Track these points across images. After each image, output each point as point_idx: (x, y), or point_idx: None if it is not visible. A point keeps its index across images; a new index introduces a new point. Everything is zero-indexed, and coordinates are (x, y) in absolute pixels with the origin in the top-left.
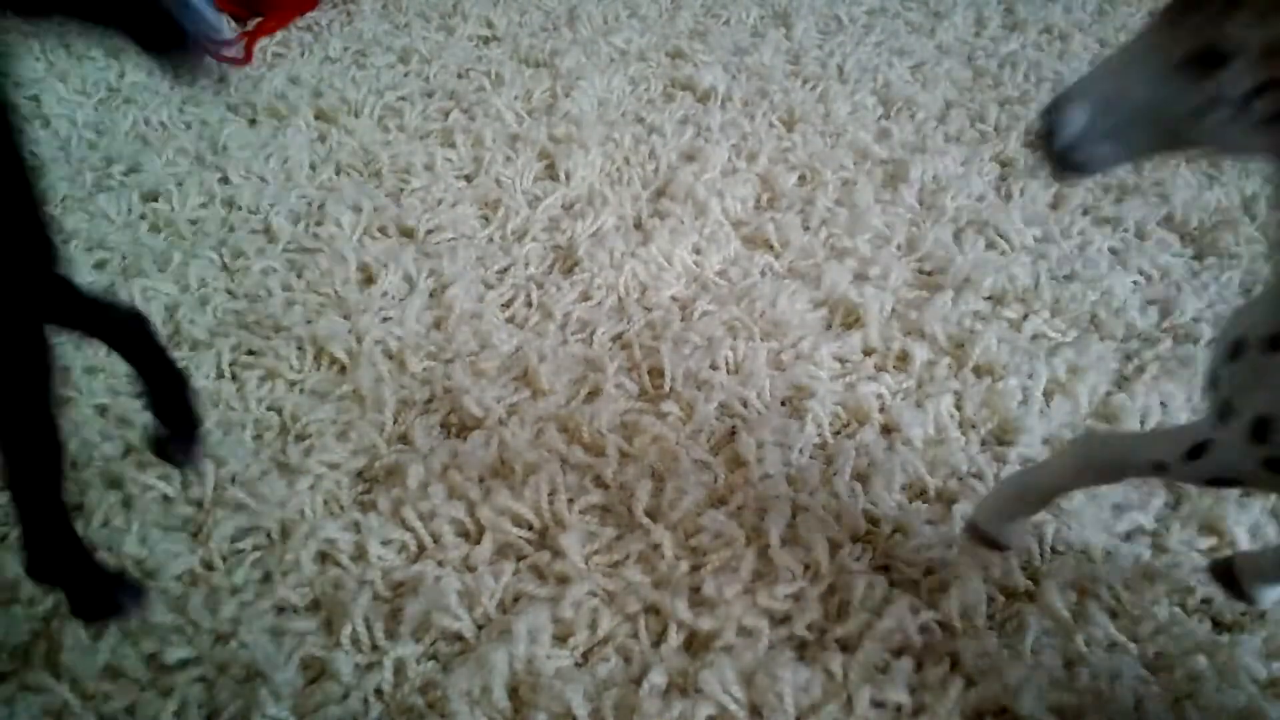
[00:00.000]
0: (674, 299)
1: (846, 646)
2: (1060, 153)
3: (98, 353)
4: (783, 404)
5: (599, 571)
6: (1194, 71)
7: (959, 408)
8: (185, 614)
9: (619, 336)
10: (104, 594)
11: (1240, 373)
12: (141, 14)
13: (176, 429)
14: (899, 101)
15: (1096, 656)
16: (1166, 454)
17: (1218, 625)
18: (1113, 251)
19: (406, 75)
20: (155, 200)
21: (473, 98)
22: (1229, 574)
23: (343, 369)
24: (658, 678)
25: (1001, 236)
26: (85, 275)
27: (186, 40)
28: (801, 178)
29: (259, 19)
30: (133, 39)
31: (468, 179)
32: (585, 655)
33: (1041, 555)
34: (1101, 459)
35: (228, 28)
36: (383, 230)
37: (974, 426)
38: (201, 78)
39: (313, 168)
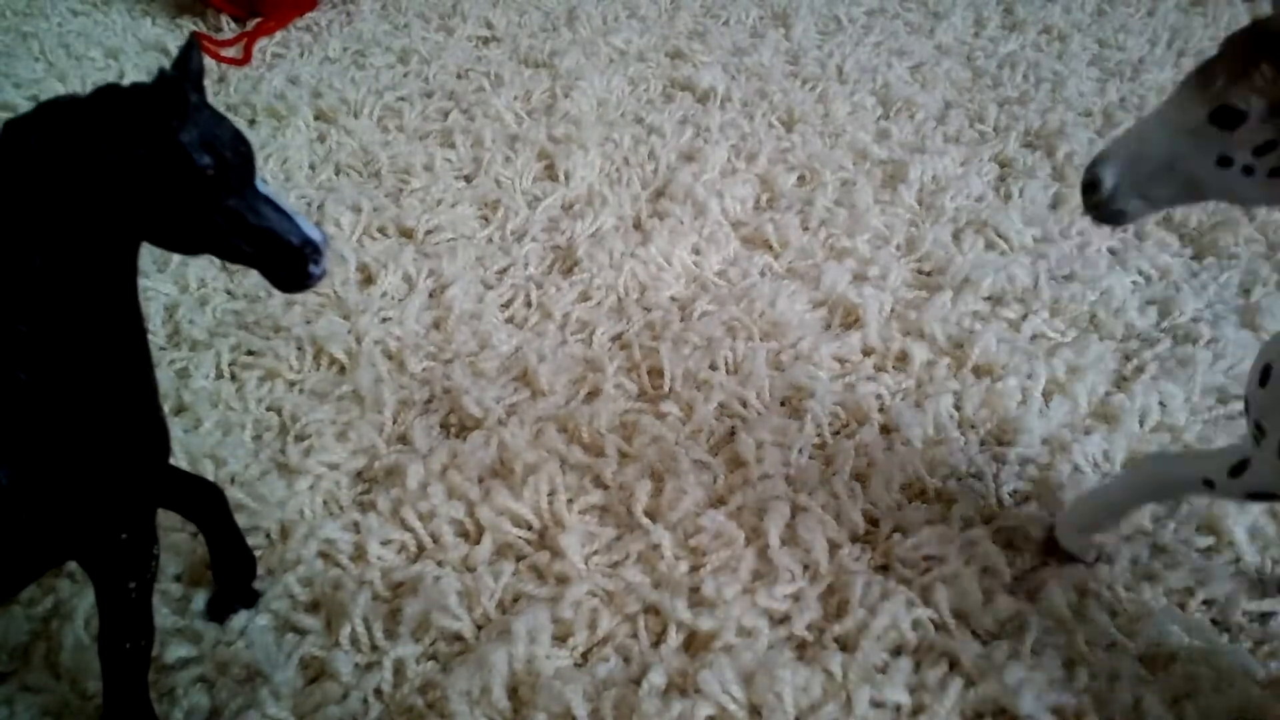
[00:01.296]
0: (673, 299)
1: (846, 646)
2: (1102, 203)
3: None
4: (782, 404)
5: (598, 571)
6: (1212, 130)
7: (958, 408)
8: (186, 614)
9: (618, 337)
10: None
11: (1268, 397)
12: (276, 258)
13: (235, 596)
14: (898, 102)
15: (1096, 656)
16: (1214, 472)
17: (1217, 625)
18: (1112, 252)
19: (406, 75)
20: None
21: (472, 98)
22: None
23: (342, 369)
24: (657, 678)
25: (1001, 237)
26: None
27: (307, 275)
28: (801, 178)
29: (259, 19)
30: (265, 274)
31: (467, 179)
32: (585, 655)
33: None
34: (1165, 477)
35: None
36: (382, 230)
37: (973, 426)
38: (306, 288)
39: (312, 168)
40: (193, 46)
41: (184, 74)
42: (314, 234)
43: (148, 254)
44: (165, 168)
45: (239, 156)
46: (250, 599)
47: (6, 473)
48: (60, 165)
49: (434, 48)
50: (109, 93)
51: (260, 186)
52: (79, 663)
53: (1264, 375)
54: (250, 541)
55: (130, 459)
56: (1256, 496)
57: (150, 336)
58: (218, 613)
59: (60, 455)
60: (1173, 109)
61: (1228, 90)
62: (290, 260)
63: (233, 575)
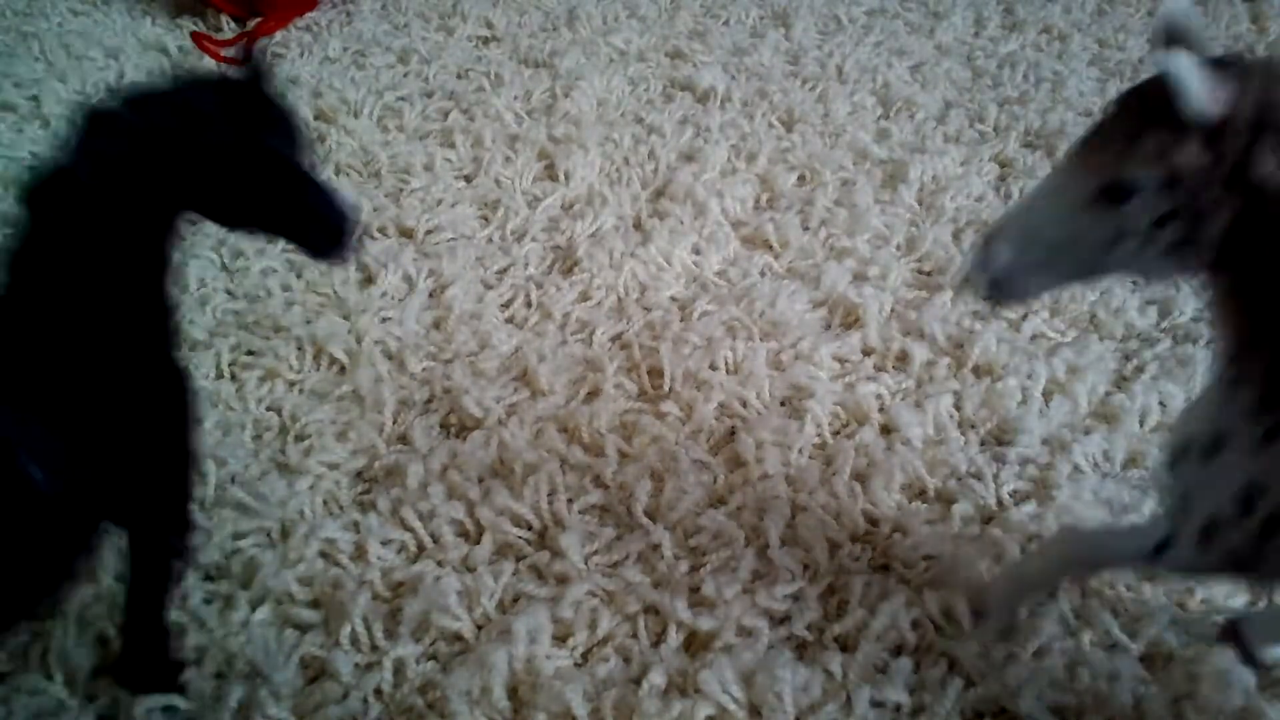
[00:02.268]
0: (673, 299)
1: (845, 646)
2: (992, 283)
3: None
4: (782, 404)
5: (598, 571)
6: (1103, 205)
7: (958, 408)
8: (187, 612)
9: (618, 337)
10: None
11: (1185, 477)
12: (316, 228)
13: (145, 672)
14: (898, 102)
15: (1096, 656)
16: (1137, 552)
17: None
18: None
19: (406, 75)
20: None
21: (472, 98)
22: (1237, 638)
23: (342, 369)
24: (657, 678)
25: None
26: None
27: (344, 241)
28: (801, 178)
29: (259, 19)
30: (305, 248)
31: (467, 179)
32: (585, 655)
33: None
34: (1082, 557)
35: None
36: (382, 230)
37: (973, 426)
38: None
39: (312, 168)
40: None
41: (259, 75)
42: (351, 210)
43: None
44: (251, 153)
45: (299, 143)
46: (167, 681)
47: (43, 472)
48: (162, 149)
49: (434, 48)
50: (197, 85)
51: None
52: (75, 664)
53: (1180, 453)
54: (251, 541)
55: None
56: (1192, 575)
57: None
58: (127, 678)
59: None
60: (1060, 183)
61: (1117, 163)
62: (334, 231)
63: (140, 641)
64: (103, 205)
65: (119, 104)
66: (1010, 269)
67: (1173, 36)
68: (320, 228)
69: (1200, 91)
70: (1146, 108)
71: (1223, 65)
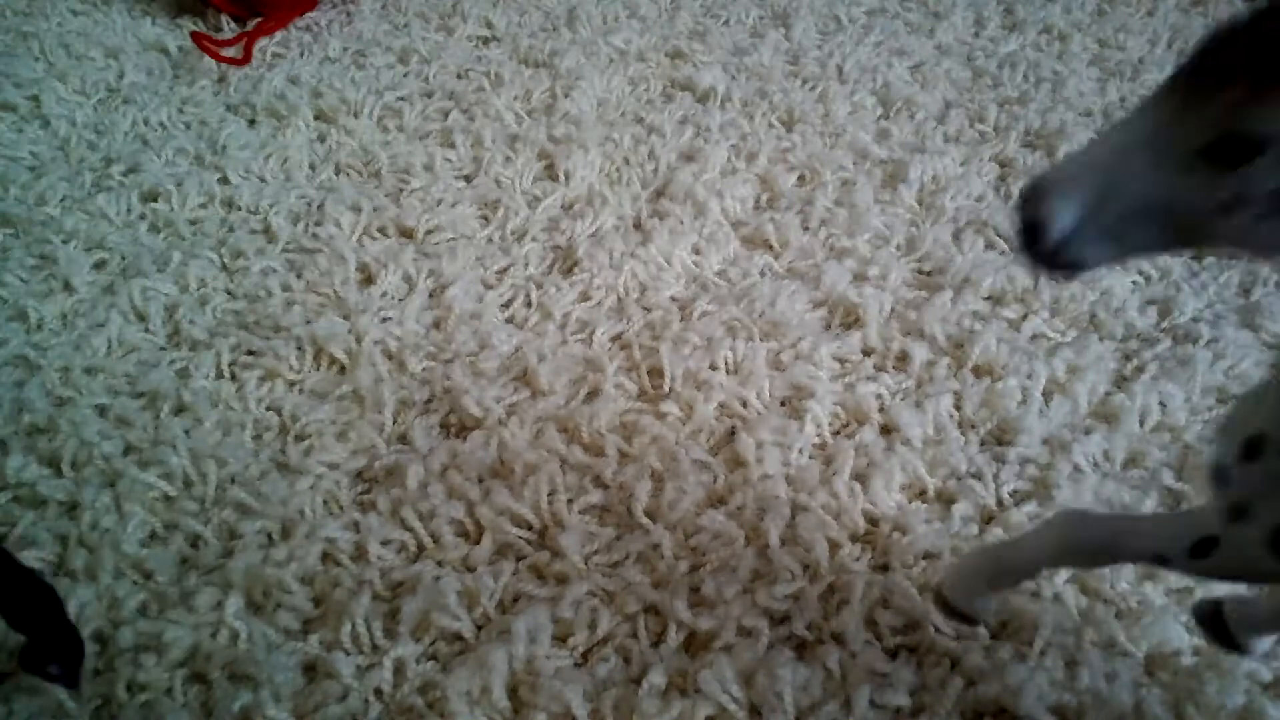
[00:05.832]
0: (673, 299)
1: (845, 646)
2: (1052, 251)
3: (97, 352)
4: (782, 404)
5: (598, 571)
6: (1215, 163)
7: (958, 407)
8: (190, 609)
9: (618, 337)
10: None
11: (1257, 475)
12: None
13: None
14: (898, 102)
15: (1096, 657)
16: (1168, 547)
17: None
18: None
19: (406, 75)
20: (155, 200)
21: (472, 98)
22: (1218, 621)
23: (342, 369)
24: (657, 677)
25: (1001, 236)
26: (84, 276)
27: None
28: (801, 178)
29: (259, 19)
30: None
31: (467, 179)
32: (585, 655)
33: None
34: (1087, 542)
35: None
36: (382, 230)
37: (973, 426)
38: None
39: (312, 168)
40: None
41: None
42: None
43: (147, 254)
44: None
45: None
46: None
47: None
48: None
49: (434, 47)
50: None
51: None
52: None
53: (1251, 447)
54: (251, 541)
55: None
56: (1228, 579)
57: (150, 336)
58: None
59: None
60: (1150, 131)
61: (1237, 112)
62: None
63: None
64: None
65: None
66: (1075, 234)
67: None
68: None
69: None
70: (1274, 44)
71: None
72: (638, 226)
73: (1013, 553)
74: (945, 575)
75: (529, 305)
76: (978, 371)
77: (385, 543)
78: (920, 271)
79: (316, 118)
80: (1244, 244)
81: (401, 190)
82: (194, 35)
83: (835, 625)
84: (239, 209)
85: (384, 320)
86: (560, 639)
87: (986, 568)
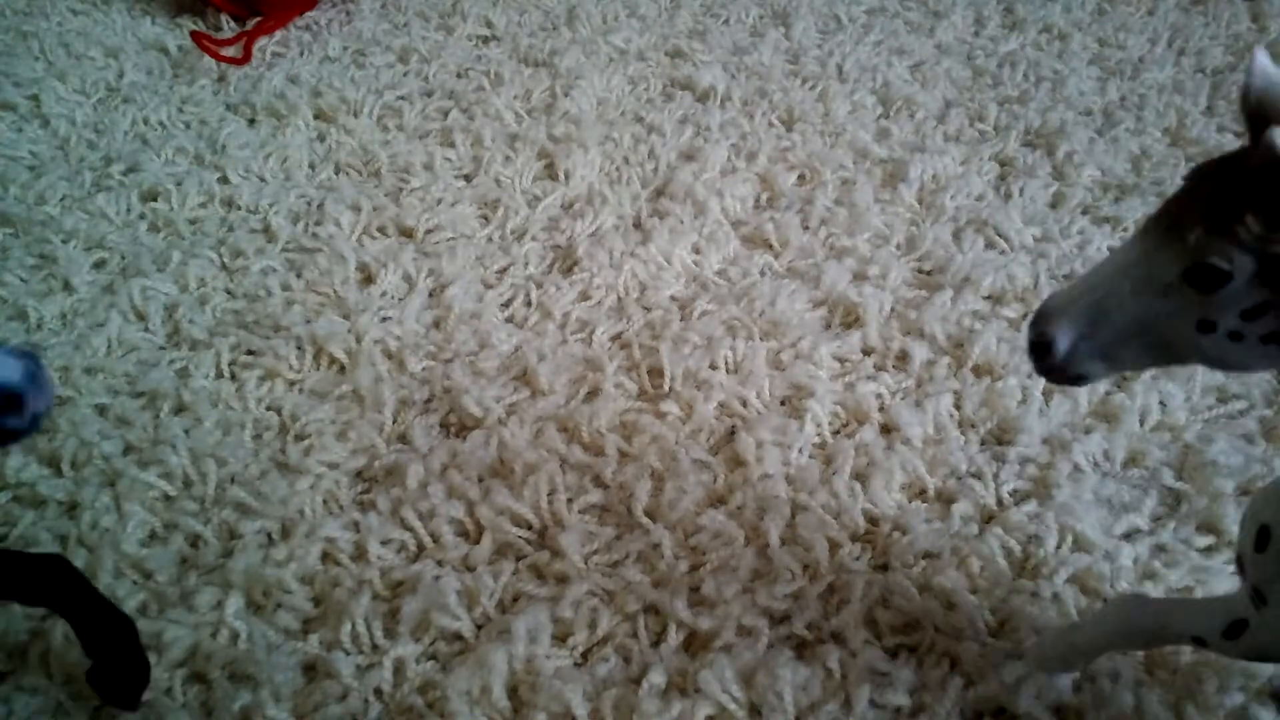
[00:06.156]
0: (673, 299)
1: (845, 645)
2: (1056, 368)
3: (97, 352)
4: (782, 404)
5: (598, 571)
6: (1188, 290)
7: (958, 407)
8: (190, 609)
9: (618, 336)
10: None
11: (1266, 563)
12: None
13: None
14: (898, 101)
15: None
16: (1206, 630)
17: None
18: (1112, 251)
19: (405, 75)
20: (154, 200)
21: (472, 97)
22: None
23: (342, 369)
24: (657, 677)
25: (1001, 236)
26: (84, 275)
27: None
28: (801, 177)
29: (259, 18)
30: None
31: (467, 179)
32: (585, 655)
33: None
34: (1142, 627)
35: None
36: (382, 230)
37: (973, 426)
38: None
39: (312, 167)
40: None
41: None
42: (12, 375)
43: (147, 254)
44: None
45: None
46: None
47: None
48: None
49: (434, 47)
50: None
51: None
52: (75, 663)
53: (1260, 538)
54: (251, 540)
55: None
56: (1263, 659)
57: (150, 336)
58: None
59: None
60: (1137, 260)
61: (1206, 246)
62: None
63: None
64: None
65: None
66: (1074, 353)
67: (1265, 104)
68: None
69: None
70: (1240, 184)
71: None
72: (638, 226)
73: (1080, 637)
74: (1029, 660)
75: (529, 305)
76: (978, 371)
77: (385, 542)
78: (920, 271)
79: (316, 117)
80: (1222, 361)
81: (401, 190)
82: (194, 34)
83: (835, 625)
84: (239, 208)
85: (384, 320)
86: (560, 639)
87: (1060, 656)
